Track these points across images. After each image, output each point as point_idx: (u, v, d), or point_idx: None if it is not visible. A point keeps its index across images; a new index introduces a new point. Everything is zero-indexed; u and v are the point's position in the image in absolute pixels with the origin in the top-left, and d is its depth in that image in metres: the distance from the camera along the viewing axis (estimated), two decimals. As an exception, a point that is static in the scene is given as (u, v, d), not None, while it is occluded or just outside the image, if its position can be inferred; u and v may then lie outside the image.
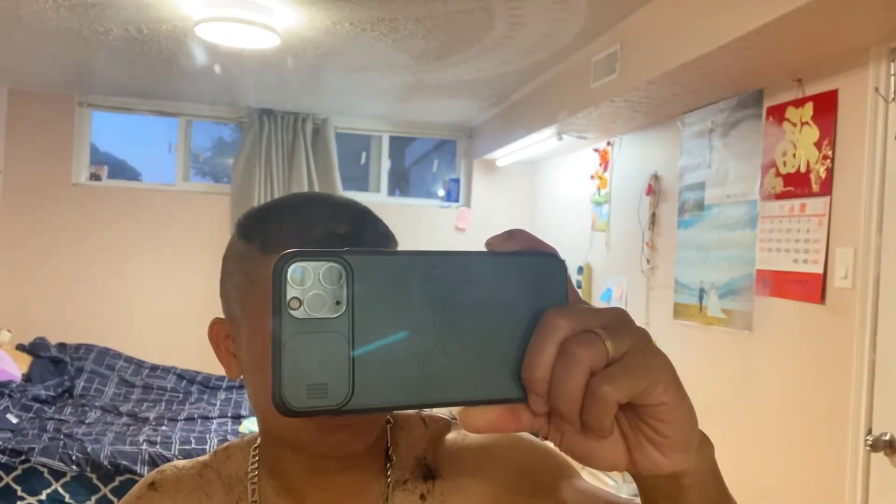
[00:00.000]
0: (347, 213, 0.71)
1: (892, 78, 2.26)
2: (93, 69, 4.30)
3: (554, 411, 0.39)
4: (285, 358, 0.36)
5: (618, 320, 0.40)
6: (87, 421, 4.01)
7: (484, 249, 0.41)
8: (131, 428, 3.95)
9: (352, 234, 0.69)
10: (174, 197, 5.19)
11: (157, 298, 5.06)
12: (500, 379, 0.39)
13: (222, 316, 0.76)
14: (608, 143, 4.24)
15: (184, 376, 4.85)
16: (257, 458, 0.80)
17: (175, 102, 5.11)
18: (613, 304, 4.07)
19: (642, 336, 0.39)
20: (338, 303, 0.36)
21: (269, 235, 0.70)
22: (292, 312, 0.36)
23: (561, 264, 0.42)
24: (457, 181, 5.62)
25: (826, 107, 2.53)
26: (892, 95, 2.25)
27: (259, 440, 0.82)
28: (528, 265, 0.41)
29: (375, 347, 0.37)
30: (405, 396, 0.37)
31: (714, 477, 0.46)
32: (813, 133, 2.58)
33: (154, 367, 4.88)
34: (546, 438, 0.43)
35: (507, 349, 0.39)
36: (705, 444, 0.44)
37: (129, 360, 4.89)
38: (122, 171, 5.55)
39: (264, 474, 0.79)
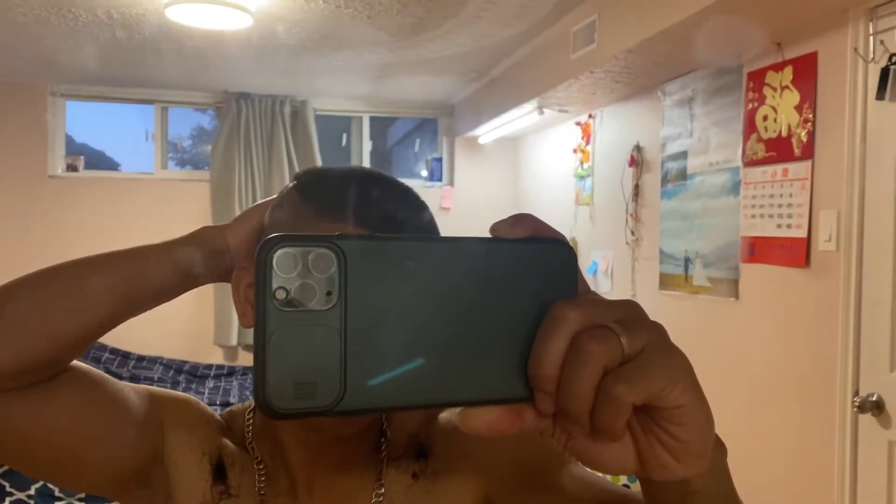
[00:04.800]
0: (406, 199, 0.72)
1: (872, 38, 2.24)
2: (64, 57, 4.21)
3: (562, 412, 0.36)
4: (270, 354, 0.33)
5: (631, 314, 0.37)
6: (74, 414, 3.98)
7: (487, 235, 0.38)
8: (119, 419, 3.92)
9: (407, 221, 0.69)
10: (152, 186, 5.12)
11: (141, 289, 4.99)
12: (503, 376, 0.36)
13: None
14: (590, 116, 4.21)
15: (171, 366, 4.82)
16: (251, 422, 0.79)
17: (150, 89, 5.02)
18: (599, 277, 4.06)
19: (658, 332, 0.37)
20: (329, 293, 0.33)
21: (326, 201, 0.69)
22: (278, 303, 0.33)
23: (570, 252, 0.39)
24: (439, 160, 5.58)
25: (806, 70, 2.51)
26: (872, 55, 2.24)
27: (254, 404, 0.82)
28: (535, 253, 0.38)
29: (369, 343, 0.34)
30: (401, 397, 0.34)
31: (724, 480, 0.44)
32: (793, 97, 2.56)
33: (140, 358, 4.84)
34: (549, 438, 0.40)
35: (511, 344, 0.36)
36: (718, 446, 0.42)
37: (114, 351, 4.84)
38: (100, 162, 5.47)
39: (257, 436, 0.78)
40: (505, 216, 0.39)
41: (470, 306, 0.36)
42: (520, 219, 0.39)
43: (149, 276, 0.70)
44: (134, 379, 4.62)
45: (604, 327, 0.35)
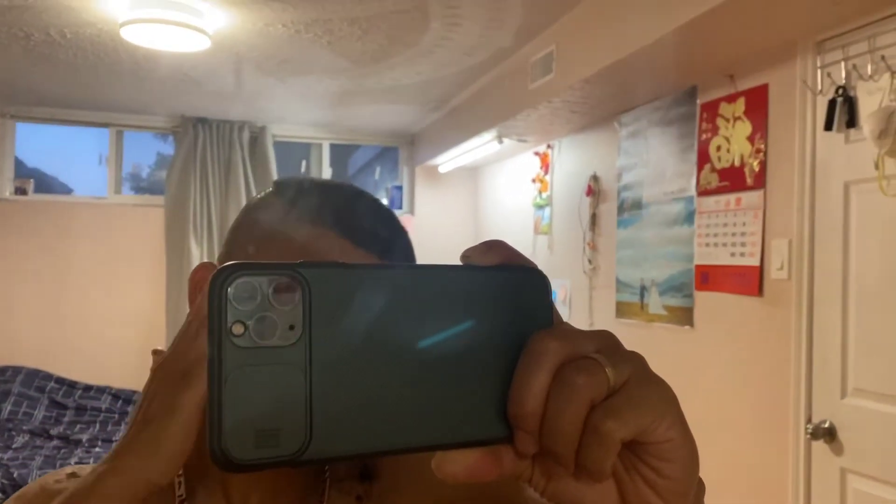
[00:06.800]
0: (391, 219, 0.70)
1: (819, 70, 2.30)
2: (15, 78, 4.12)
3: (546, 452, 0.33)
4: (226, 397, 0.29)
5: (610, 344, 0.35)
6: (13, 446, 3.81)
7: (457, 263, 0.36)
8: (62, 451, 3.76)
9: (391, 242, 0.67)
10: (105, 210, 5.00)
11: (90, 316, 4.85)
12: (480, 415, 0.34)
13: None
14: (548, 147, 4.25)
15: (119, 396, 4.66)
16: None
17: (105, 112, 4.93)
18: (557, 306, 4.06)
19: (640, 362, 0.35)
20: (292, 327, 0.30)
21: (312, 204, 0.66)
22: (235, 340, 0.30)
23: (545, 280, 0.37)
24: (399, 188, 5.58)
25: (757, 101, 2.57)
26: (820, 88, 2.30)
27: None
28: (509, 281, 0.36)
29: (337, 382, 0.31)
30: (373, 441, 0.32)
31: None
32: (746, 127, 2.62)
33: (88, 388, 4.68)
34: (526, 483, 0.37)
35: (487, 379, 0.34)
36: (699, 483, 0.40)
37: (60, 381, 4.67)
38: (52, 187, 5.34)
39: (191, 464, 0.71)
40: (465, 245, 0.37)
41: (444, 339, 0.33)
42: (492, 245, 0.37)
43: None
44: (80, 409, 4.45)
45: (588, 358, 0.33)
